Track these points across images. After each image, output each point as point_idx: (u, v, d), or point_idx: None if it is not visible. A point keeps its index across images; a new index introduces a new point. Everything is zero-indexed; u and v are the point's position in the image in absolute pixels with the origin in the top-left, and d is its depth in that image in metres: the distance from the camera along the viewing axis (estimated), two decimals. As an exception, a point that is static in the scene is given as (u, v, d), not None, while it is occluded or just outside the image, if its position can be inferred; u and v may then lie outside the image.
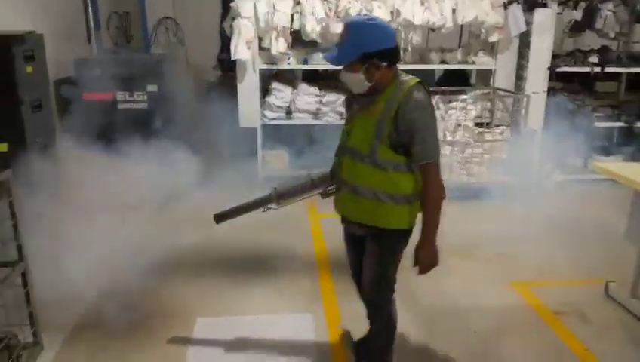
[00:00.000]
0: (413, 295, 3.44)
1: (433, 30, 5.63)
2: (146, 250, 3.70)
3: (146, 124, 5.14)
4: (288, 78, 5.81)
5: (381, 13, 5.35)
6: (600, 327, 3.17)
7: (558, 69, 5.48)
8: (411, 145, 2.14)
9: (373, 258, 2.39)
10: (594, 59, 5.53)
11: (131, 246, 3.66)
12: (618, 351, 2.95)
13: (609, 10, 5.17)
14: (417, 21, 5.35)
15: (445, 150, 5.13)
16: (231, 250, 4.15)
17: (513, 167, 5.38)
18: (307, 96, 5.51)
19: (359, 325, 2.68)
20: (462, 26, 5.68)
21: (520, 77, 5.65)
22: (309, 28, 5.22)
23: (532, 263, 3.96)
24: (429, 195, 2.22)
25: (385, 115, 2.14)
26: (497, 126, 5.38)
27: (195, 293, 3.52)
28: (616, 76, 5.92)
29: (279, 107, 5.50)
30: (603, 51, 5.57)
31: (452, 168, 5.18)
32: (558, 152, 5.84)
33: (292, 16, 5.27)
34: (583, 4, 5.26)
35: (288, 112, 5.54)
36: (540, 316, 3.29)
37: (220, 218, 2.90)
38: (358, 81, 2.18)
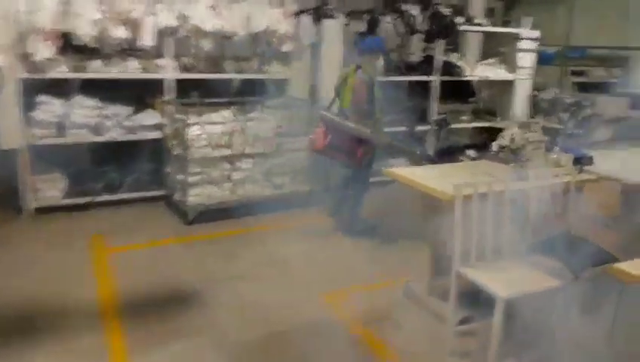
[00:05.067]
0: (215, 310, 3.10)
1: (227, 38, 5.37)
2: None
3: None
4: (65, 89, 4.96)
5: (167, 18, 4.91)
6: (408, 330, 3.23)
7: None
8: None
9: None
10: (378, 68, 5.87)
11: None
12: (427, 351, 3.01)
13: (388, 23, 5.53)
14: (208, 28, 5.03)
15: (247, 163, 4.90)
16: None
17: (313, 175, 5.41)
18: (85, 110, 4.77)
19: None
20: (255, 34, 5.52)
21: (313, 86, 5.72)
22: (81, 31, 4.51)
23: (335, 271, 3.94)
24: None
25: None
26: (296, 135, 5.33)
27: None
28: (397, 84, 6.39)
29: (49, 123, 4.64)
30: (386, 61, 5.95)
31: (256, 181, 4.97)
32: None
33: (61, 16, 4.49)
34: (367, 17, 5.53)
35: (61, 128, 4.71)
36: (351, 331, 3.23)
37: None
38: None
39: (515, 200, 2.85)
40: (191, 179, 4.63)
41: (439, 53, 6.17)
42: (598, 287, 2.80)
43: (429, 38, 5.94)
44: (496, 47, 7.26)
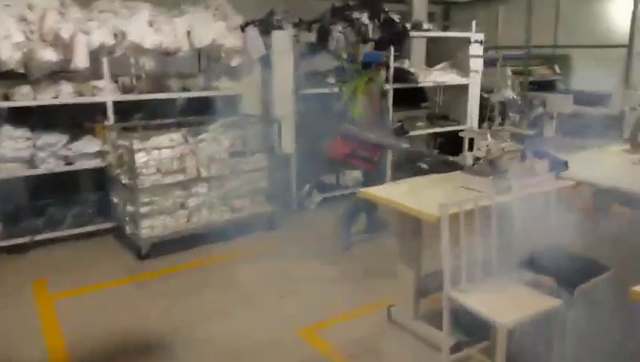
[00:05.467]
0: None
1: (170, 54, 5.00)
2: None
3: None
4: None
5: (101, 36, 4.50)
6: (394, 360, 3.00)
7: (302, 92, 5.45)
8: None
9: None
10: (331, 79, 5.67)
11: None
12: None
13: (339, 32, 5.33)
14: (148, 44, 4.66)
15: (202, 188, 4.54)
16: None
17: (274, 194, 5.13)
18: (14, 141, 4.27)
19: None
20: (200, 49, 5.19)
21: (266, 101, 5.45)
22: (4, 55, 4.04)
23: (311, 300, 3.66)
24: None
25: None
26: (252, 154, 5.02)
27: None
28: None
29: (-27, 159, 4.13)
30: (339, 71, 5.76)
31: (213, 206, 4.62)
32: (313, 173, 5.85)
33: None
34: (316, 27, 5.31)
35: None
36: (335, 365, 2.97)
37: None
38: None
39: (500, 215, 2.69)
40: (142, 209, 4.22)
41: (391, 60, 6.04)
42: (595, 301, 2.68)
43: (381, 45, 5.80)
44: (443, 52, 7.25)
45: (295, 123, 5.46)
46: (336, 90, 5.63)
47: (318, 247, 4.57)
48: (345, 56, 5.53)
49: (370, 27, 5.52)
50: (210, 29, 4.97)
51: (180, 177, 4.40)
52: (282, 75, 5.32)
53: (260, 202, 4.99)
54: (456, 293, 2.55)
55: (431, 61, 7.54)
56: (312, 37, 5.35)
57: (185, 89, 5.17)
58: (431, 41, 7.54)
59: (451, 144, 7.00)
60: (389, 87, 5.83)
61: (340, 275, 4.07)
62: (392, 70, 6.03)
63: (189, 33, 4.92)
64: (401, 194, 3.00)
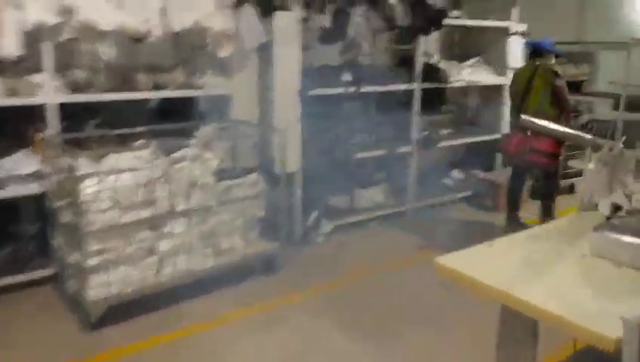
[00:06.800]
0: None
1: (137, 40, 3.73)
2: None
3: None
4: None
5: (40, 13, 3.22)
6: None
7: (311, 92, 4.23)
8: None
9: None
10: (347, 76, 4.45)
11: None
12: None
13: (360, 16, 4.12)
14: (106, 25, 3.40)
15: (178, 225, 3.31)
16: None
17: (273, 226, 3.93)
18: None
19: None
20: (178, 34, 3.92)
21: (265, 104, 4.22)
22: None
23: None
24: None
25: None
26: (246, 174, 3.79)
27: None
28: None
29: None
30: (355, 67, 4.54)
31: (192, 250, 3.39)
32: (321, 196, 4.66)
33: None
34: (331, 9, 4.08)
35: None
36: None
37: None
38: None
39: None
40: (91, 261, 2.98)
41: (420, 53, 4.85)
42: None
43: (408, 35, 4.60)
44: (468, 45, 6.05)
45: (301, 132, 4.25)
46: (352, 90, 4.44)
47: (334, 302, 3.41)
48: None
49: (399, 10, 4.30)
50: (192, 8, 3.71)
51: (147, 213, 3.16)
52: (286, 70, 4.10)
53: (255, 239, 3.78)
54: None
55: (452, 56, 6.34)
56: (325, 21, 4.12)
57: (158, 87, 3.90)
58: (450, 32, 6.31)
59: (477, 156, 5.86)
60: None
61: (371, 350, 2.88)
62: (419, 66, 4.86)
63: (163, 12, 3.65)
64: (513, 275, 1.80)
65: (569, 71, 7.51)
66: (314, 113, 4.35)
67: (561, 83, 4.34)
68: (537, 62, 4.41)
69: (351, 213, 4.82)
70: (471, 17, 5.52)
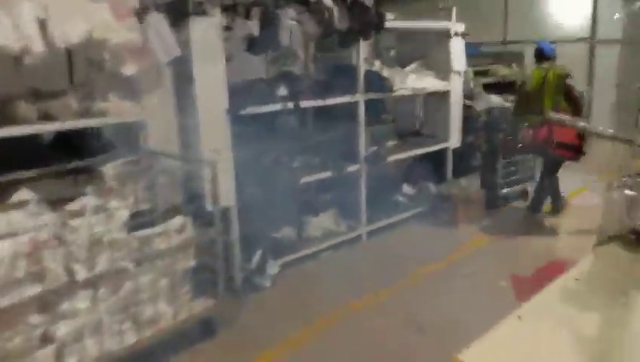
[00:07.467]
0: None
1: (16, 59, 2.89)
2: None
3: None
4: None
5: None
6: None
7: (242, 111, 3.55)
8: None
9: None
10: (283, 91, 3.82)
11: None
12: None
13: (292, 20, 3.50)
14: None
15: (81, 300, 2.51)
16: None
17: (208, 279, 3.20)
18: None
19: None
20: (68, 50, 3.12)
21: (186, 129, 3.49)
22: None
23: None
24: None
25: None
26: (169, 218, 3.05)
27: None
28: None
29: None
30: (290, 79, 3.92)
31: (103, 328, 2.60)
32: (264, 231, 3.99)
33: None
34: (257, 12, 3.42)
35: None
36: None
37: None
38: None
39: None
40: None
41: (361, 61, 4.31)
42: None
43: (347, 39, 4.04)
44: (408, 49, 5.62)
45: (233, 159, 3.56)
46: (290, 105, 3.81)
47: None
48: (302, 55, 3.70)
49: (336, 13, 3.73)
50: (81, 17, 2.93)
51: (35, 289, 2.35)
52: (209, 88, 3.40)
53: (187, 299, 3.04)
54: None
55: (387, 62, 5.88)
56: (252, 27, 3.46)
57: (46, 117, 3.06)
58: (384, 36, 5.85)
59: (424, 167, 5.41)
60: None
61: None
62: (361, 75, 4.32)
63: (43, 23, 2.85)
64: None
65: (500, 71, 7.36)
66: (247, 135, 3.68)
67: (571, 82, 4.70)
68: (544, 65, 4.68)
69: (300, 245, 4.17)
70: (403, 20, 5.07)
